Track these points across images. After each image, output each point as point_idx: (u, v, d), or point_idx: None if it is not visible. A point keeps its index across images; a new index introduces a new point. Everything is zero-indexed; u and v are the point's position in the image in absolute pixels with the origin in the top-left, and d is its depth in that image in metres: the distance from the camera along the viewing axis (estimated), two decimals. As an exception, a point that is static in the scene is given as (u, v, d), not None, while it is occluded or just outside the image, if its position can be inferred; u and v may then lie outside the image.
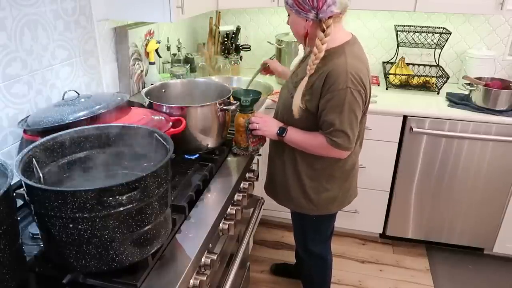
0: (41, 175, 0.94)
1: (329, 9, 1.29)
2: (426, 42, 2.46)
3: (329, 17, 1.31)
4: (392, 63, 2.60)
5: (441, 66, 2.52)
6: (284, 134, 1.49)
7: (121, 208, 0.85)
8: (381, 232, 2.55)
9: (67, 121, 1.19)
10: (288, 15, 1.42)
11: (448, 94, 2.35)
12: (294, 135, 1.49)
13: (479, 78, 2.27)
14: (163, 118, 1.37)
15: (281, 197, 1.67)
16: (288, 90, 1.53)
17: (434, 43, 2.45)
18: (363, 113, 1.46)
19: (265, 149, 1.74)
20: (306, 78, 1.39)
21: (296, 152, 1.53)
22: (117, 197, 0.83)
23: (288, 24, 1.45)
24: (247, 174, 1.60)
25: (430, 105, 2.26)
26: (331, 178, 1.55)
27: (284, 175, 1.61)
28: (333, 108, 1.35)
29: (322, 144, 1.41)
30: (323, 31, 1.32)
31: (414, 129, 2.18)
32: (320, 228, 1.74)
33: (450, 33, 2.36)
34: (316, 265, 1.85)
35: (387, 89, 2.49)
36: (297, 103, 1.41)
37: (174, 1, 1.65)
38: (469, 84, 2.26)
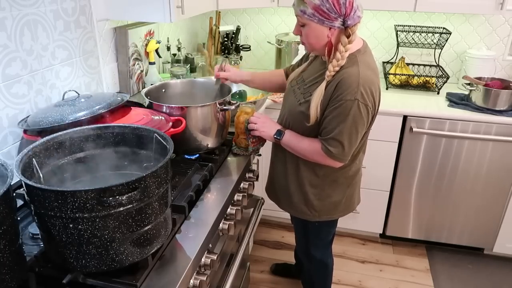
0: (41, 175, 0.94)
1: (356, 14, 1.26)
2: (426, 42, 2.46)
3: (355, 24, 1.28)
4: (392, 63, 2.60)
5: (441, 66, 2.52)
6: (281, 137, 1.47)
7: (121, 208, 0.85)
8: (381, 232, 2.55)
9: (67, 121, 1.19)
10: (302, 26, 1.33)
11: (448, 94, 2.35)
12: (291, 139, 1.46)
13: (479, 78, 2.27)
14: (163, 118, 1.37)
15: (282, 202, 1.66)
16: (295, 97, 1.48)
17: (434, 43, 2.45)
18: (370, 125, 1.41)
19: (266, 150, 1.74)
20: (324, 84, 1.34)
21: (300, 159, 1.50)
22: (117, 197, 0.83)
23: (297, 34, 1.38)
24: (247, 174, 1.60)
25: (430, 105, 2.26)
26: (334, 184, 1.53)
27: (286, 181, 1.59)
28: (337, 116, 1.32)
29: (316, 150, 1.39)
30: (348, 37, 1.28)
31: (414, 129, 2.18)
32: (322, 234, 1.73)
33: (450, 33, 2.36)
34: (317, 269, 1.84)
35: (387, 89, 2.48)
36: (315, 108, 1.35)
37: (174, 1, 1.65)
38: (469, 84, 2.26)
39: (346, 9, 1.24)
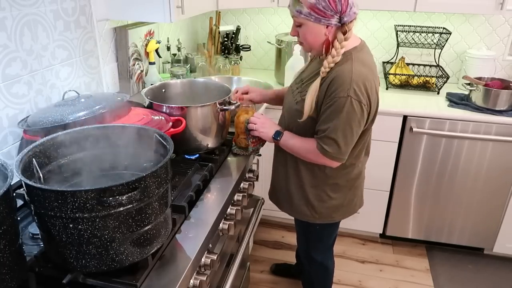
0: (41, 175, 0.94)
1: (351, 11, 1.26)
2: (426, 42, 2.46)
3: (351, 20, 1.29)
4: (392, 63, 2.60)
5: (441, 66, 2.52)
6: (279, 138, 1.47)
7: (121, 208, 0.85)
8: (381, 232, 2.55)
9: (67, 121, 1.19)
10: (299, 26, 1.33)
11: (448, 94, 2.35)
12: (288, 140, 1.46)
13: (479, 78, 2.27)
14: (163, 118, 1.38)
15: (284, 204, 1.65)
16: (293, 96, 1.48)
17: (434, 43, 2.45)
18: (368, 124, 1.40)
19: (266, 150, 1.74)
20: (319, 79, 1.34)
21: (299, 160, 1.49)
22: (117, 197, 0.83)
23: (294, 35, 1.38)
24: (247, 174, 1.60)
25: (430, 105, 2.26)
26: (335, 187, 1.52)
27: (287, 183, 1.58)
28: (330, 114, 1.31)
29: (312, 149, 1.38)
30: (344, 33, 1.29)
31: (414, 129, 2.18)
32: (323, 237, 1.72)
33: (450, 33, 2.36)
34: (317, 272, 1.83)
35: (387, 89, 2.49)
36: (309, 103, 1.35)
37: (174, 1, 1.65)
38: (469, 84, 2.26)
39: (341, 6, 1.25)
